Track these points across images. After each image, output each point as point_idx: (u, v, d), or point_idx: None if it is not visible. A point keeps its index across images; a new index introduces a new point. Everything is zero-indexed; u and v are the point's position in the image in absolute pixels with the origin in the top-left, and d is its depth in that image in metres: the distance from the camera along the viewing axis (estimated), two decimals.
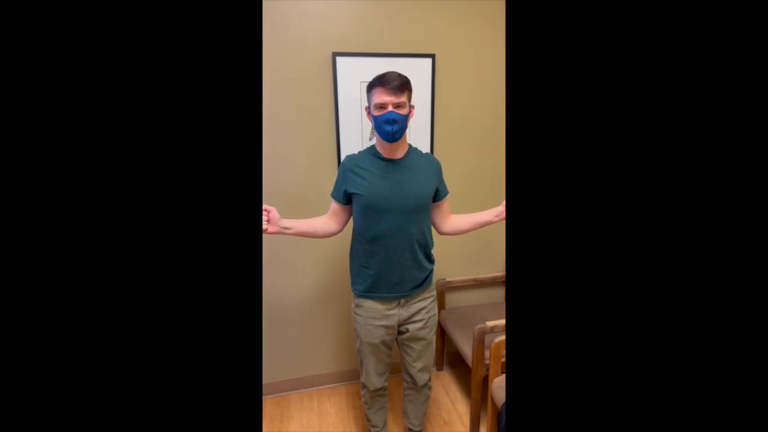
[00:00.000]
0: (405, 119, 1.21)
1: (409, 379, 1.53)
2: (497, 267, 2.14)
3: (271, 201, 1.77)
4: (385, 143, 1.25)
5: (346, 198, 1.33)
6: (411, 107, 1.24)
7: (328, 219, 1.39)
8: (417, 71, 1.75)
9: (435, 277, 1.46)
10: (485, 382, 1.66)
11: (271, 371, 1.98)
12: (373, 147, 1.32)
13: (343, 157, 1.76)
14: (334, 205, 1.37)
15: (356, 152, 1.36)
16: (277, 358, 1.97)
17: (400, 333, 1.43)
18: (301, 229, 1.33)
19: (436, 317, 1.46)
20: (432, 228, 1.42)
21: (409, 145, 1.34)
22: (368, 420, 1.60)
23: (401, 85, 1.18)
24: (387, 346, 1.43)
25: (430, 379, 1.54)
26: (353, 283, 1.39)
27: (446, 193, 1.41)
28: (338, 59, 1.68)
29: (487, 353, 1.60)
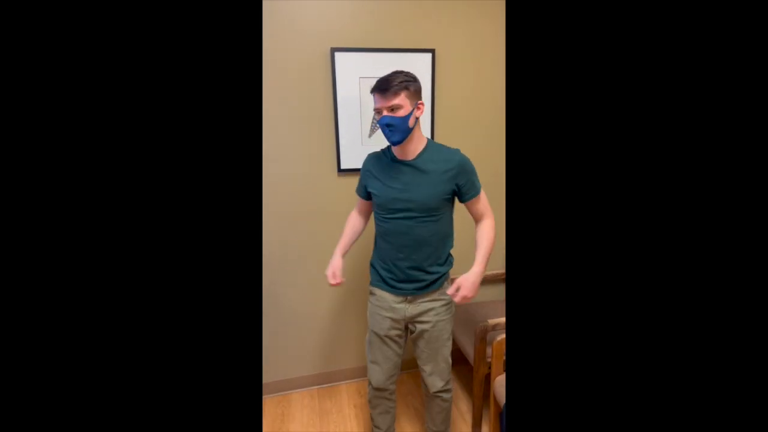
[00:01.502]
0: (403, 121, 1.18)
1: (424, 384, 1.50)
2: (498, 264, 2.13)
3: (269, 197, 1.76)
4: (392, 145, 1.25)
5: (366, 194, 1.38)
6: (418, 104, 1.21)
7: (357, 214, 1.48)
8: (417, 67, 1.73)
9: None
10: (487, 380, 1.65)
11: (271, 371, 1.97)
12: (389, 147, 1.32)
13: (342, 153, 1.77)
14: (359, 200, 1.45)
15: (378, 149, 1.38)
16: (277, 358, 1.96)
17: (410, 332, 1.43)
18: (349, 245, 1.46)
19: (449, 324, 1.39)
20: (453, 230, 1.36)
21: (428, 141, 1.29)
22: (372, 420, 1.58)
23: (393, 87, 1.16)
24: (395, 342, 1.41)
25: (444, 391, 1.46)
26: (371, 272, 1.44)
27: (474, 192, 1.30)
28: (337, 54, 1.66)
29: (489, 351, 1.59)
